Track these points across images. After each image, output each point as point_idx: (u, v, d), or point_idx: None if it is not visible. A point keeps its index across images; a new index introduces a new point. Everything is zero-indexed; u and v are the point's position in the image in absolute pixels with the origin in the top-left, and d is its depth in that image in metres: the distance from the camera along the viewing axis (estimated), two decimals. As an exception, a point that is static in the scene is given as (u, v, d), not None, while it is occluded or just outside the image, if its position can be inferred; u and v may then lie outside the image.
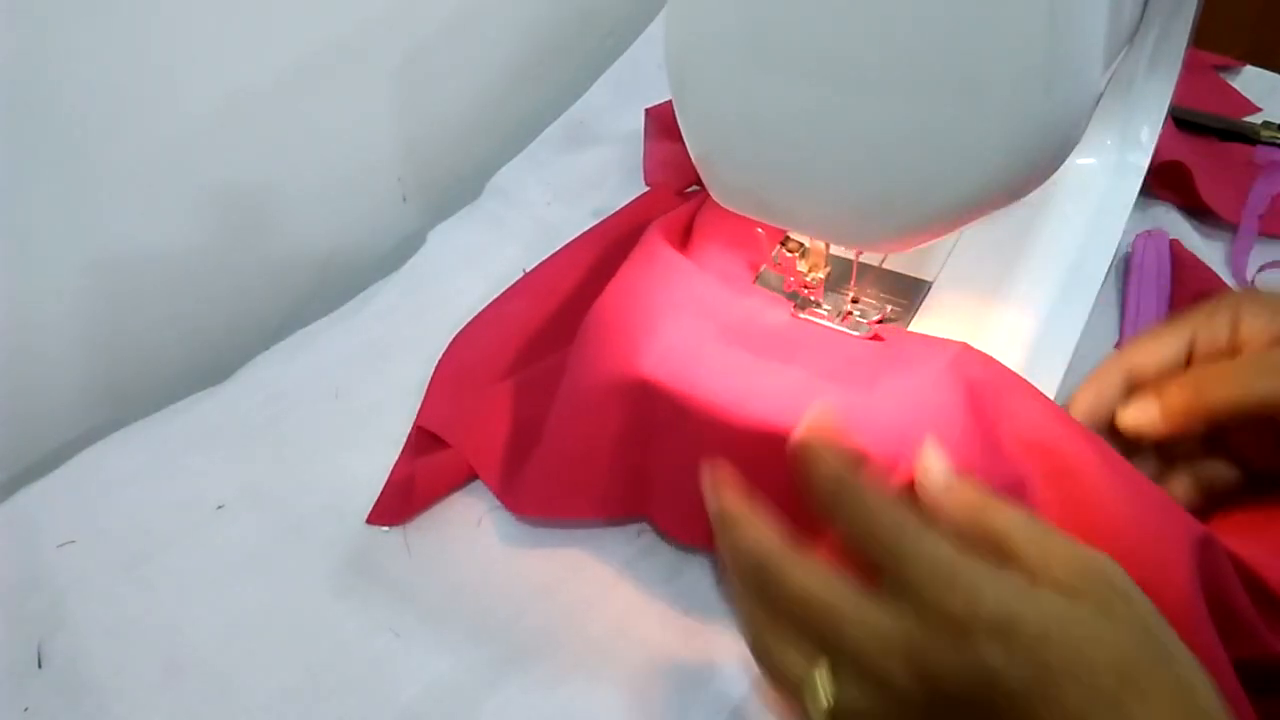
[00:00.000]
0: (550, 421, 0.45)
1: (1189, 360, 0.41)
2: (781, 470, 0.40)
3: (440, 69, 0.63)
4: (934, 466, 0.33)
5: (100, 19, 0.45)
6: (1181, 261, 0.53)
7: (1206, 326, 0.41)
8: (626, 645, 0.41)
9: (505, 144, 0.66)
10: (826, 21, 0.33)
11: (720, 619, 0.41)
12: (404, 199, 0.65)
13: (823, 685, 0.30)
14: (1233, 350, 0.40)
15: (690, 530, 0.43)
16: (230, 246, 0.56)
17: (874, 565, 0.30)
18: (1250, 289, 0.43)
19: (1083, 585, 0.28)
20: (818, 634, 0.30)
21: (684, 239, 0.50)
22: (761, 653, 0.32)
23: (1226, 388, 0.38)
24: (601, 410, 0.43)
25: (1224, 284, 0.52)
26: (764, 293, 0.47)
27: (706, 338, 0.43)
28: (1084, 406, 0.41)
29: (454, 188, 0.65)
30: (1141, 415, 0.40)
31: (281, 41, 0.53)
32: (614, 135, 0.65)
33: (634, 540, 0.44)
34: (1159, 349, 0.41)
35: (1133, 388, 0.41)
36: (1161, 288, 0.52)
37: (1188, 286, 0.52)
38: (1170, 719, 0.26)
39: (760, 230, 0.45)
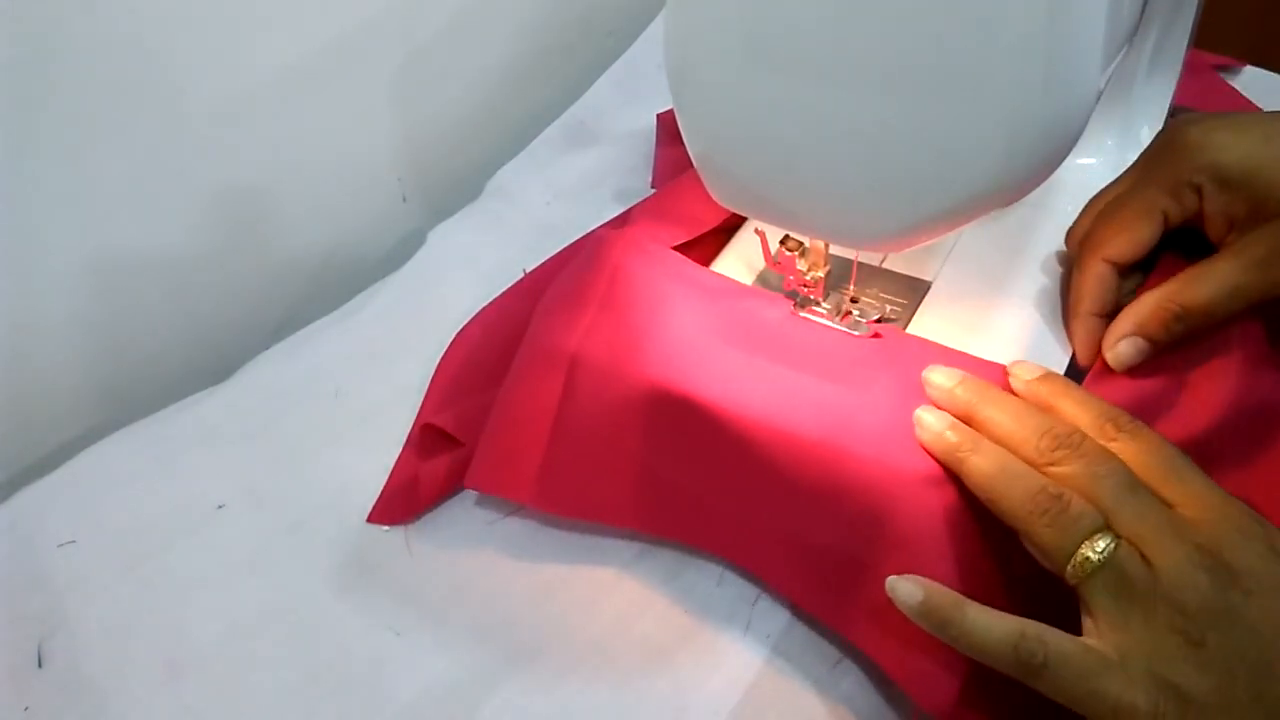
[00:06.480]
0: (563, 419, 0.45)
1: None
2: (780, 468, 0.40)
3: (440, 69, 0.63)
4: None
5: (100, 19, 0.45)
6: None
7: (1176, 205, 0.43)
8: (626, 645, 0.41)
9: (505, 144, 0.66)
10: (825, 21, 0.33)
11: (720, 619, 0.41)
12: (404, 199, 0.65)
13: (1103, 541, 0.33)
14: (1199, 218, 0.42)
15: (700, 530, 0.43)
16: (230, 247, 0.56)
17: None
18: (1202, 128, 0.43)
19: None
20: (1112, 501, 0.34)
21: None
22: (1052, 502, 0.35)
23: (1203, 315, 0.41)
24: (611, 412, 0.43)
25: None
26: (763, 291, 0.47)
27: (707, 337, 0.43)
28: (1088, 309, 0.43)
29: (454, 188, 0.65)
30: (1132, 352, 0.42)
31: (281, 41, 0.53)
32: (614, 135, 0.65)
33: (634, 540, 0.44)
34: (1136, 237, 0.43)
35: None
36: None
37: None
38: None
39: (758, 230, 0.45)
